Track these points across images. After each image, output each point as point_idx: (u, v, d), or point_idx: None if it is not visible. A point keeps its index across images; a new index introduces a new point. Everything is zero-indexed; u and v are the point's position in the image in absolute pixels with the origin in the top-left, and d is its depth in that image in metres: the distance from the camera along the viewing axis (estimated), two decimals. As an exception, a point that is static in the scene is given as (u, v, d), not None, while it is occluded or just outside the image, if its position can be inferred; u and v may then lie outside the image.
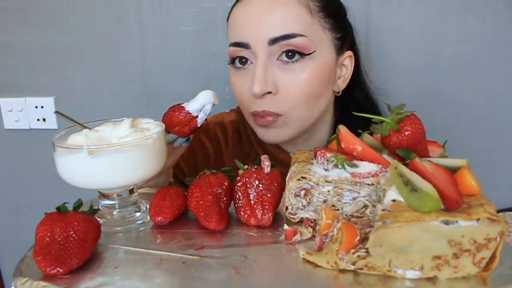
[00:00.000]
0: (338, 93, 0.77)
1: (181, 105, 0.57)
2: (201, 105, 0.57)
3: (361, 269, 0.42)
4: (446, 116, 1.11)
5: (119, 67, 1.15)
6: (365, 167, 0.49)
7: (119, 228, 0.53)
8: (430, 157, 0.48)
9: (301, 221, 0.52)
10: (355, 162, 0.50)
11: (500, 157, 1.14)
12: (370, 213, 0.49)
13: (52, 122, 1.21)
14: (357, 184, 0.48)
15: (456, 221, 0.39)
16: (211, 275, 0.43)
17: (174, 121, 0.57)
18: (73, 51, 1.15)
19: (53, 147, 0.51)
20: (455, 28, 1.05)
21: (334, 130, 0.80)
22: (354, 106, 0.79)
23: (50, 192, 1.09)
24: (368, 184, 0.48)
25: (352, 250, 0.42)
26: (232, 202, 0.53)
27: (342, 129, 0.52)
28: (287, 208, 0.52)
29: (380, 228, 0.39)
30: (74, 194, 0.50)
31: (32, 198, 1.28)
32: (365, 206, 0.49)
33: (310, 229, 0.49)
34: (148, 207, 0.55)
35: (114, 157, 0.49)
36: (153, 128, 0.54)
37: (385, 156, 0.50)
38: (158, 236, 0.51)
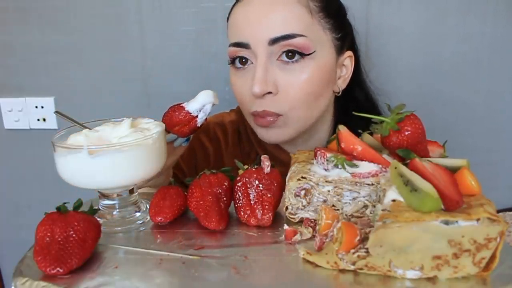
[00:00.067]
0: (338, 93, 0.77)
1: (181, 105, 0.57)
2: (201, 105, 0.57)
3: (361, 269, 0.42)
4: (446, 116, 1.11)
5: (119, 67, 1.15)
6: (365, 167, 0.49)
7: (119, 228, 0.53)
8: (430, 157, 0.48)
9: (301, 221, 0.52)
10: (355, 162, 0.50)
11: (500, 157, 1.14)
12: (370, 213, 0.49)
13: (52, 122, 1.21)
14: (357, 184, 0.48)
15: (456, 221, 0.39)
16: (211, 275, 0.43)
17: (174, 121, 0.57)
18: (73, 51, 1.15)
19: (53, 147, 0.51)
20: (455, 28, 1.05)
21: (334, 130, 0.80)
22: (354, 106, 0.79)
23: (50, 192, 1.09)
24: (368, 184, 0.48)
25: (352, 250, 0.42)
26: (232, 202, 0.53)
27: (342, 129, 0.51)
28: (287, 208, 0.52)
29: (380, 228, 0.39)
30: (74, 194, 0.50)
31: (32, 198, 1.28)
32: (365, 206, 0.49)
33: (310, 229, 0.49)
34: (148, 207, 0.55)
35: (114, 157, 0.49)
36: (153, 128, 0.54)
37: (385, 156, 0.50)
38: (158, 236, 0.51)
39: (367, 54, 1.03)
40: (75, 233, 0.43)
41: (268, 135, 0.74)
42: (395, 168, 0.42)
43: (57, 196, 0.52)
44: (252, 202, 0.51)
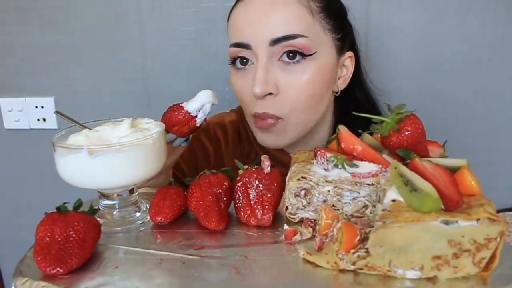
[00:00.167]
0: (337, 93, 0.77)
1: (180, 104, 0.57)
2: (200, 105, 0.57)
3: (361, 269, 0.42)
4: (446, 116, 1.11)
5: (119, 67, 1.15)
6: (365, 167, 0.49)
7: (119, 228, 0.52)
8: (430, 157, 0.48)
9: (301, 221, 0.52)
10: (355, 162, 0.50)
11: (500, 157, 1.14)
12: (370, 213, 0.49)
13: (52, 122, 1.21)
14: (357, 184, 0.48)
15: (456, 221, 0.39)
16: (211, 275, 0.43)
17: (173, 120, 0.57)
18: (73, 51, 1.15)
19: (53, 147, 0.51)
20: (455, 28, 1.05)
21: (334, 130, 0.80)
22: (354, 106, 0.79)
23: (50, 192, 1.09)
24: (368, 184, 0.48)
25: (352, 250, 0.42)
26: (232, 202, 0.53)
27: (342, 129, 0.51)
28: (287, 208, 0.52)
29: (380, 228, 0.39)
30: (74, 194, 0.50)
31: (32, 198, 1.28)
32: (365, 206, 0.49)
33: (310, 229, 0.49)
34: (148, 207, 0.55)
35: (114, 157, 0.49)
36: (153, 128, 0.54)
37: (385, 156, 0.50)
38: (158, 236, 0.51)
39: (367, 54, 1.03)
40: (75, 233, 0.43)
41: (268, 140, 0.74)
42: (395, 168, 0.42)
43: (57, 196, 0.52)
44: (252, 202, 0.51)
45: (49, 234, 0.43)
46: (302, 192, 0.51)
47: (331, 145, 0.53)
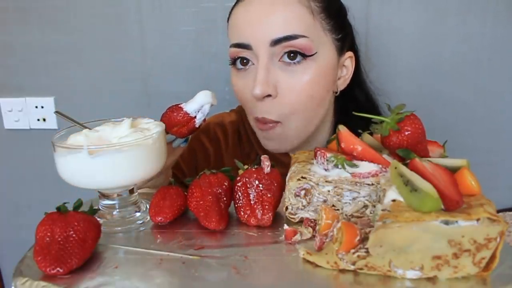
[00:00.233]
0: (336, 93, 0.77)
1: (179, 105, 0.57)
2: (199, 106, 0.57)
3: (361, 269, 0.42)
4: (446, 116, 1.11)
5: (119, 67, 1.15)
6: (365, 167, 0.49)
7: (119, 228, 0.52)
8: (430, 157, 0.48)
9: (301, 221, 0.52)
10: (355, 162, 0.50)
11: (500, 157, 1.14)
12: (370, 213, 0.49)
13: (52, 122, 1.21)
14: (357, 184, 0.48)
15: (456, 221, 0.39)
16: (211, 275, 0.43)
17: (173, 121, 0.57)
18: (73, 51, 1.15)
19: (53, 147, 0.51)
20: (455, 28, 1.05)
21: (334, 130, 0.80)
22: (354, 106, 0.79)
23: (50, 192, 1.09)
24: (368, 184, 0.48)
25: (352, 250, 0.42)
26: (232, 202, 0.53)
27: (342, 129, 0.51)
28: (287, 208, 0.52)
29: (380, 228, 0.39)
30: (74, 194, 0.50)
31: (32, 198, 1.28)
32: (365, 206, 0.49)
33: (310, 229, 0.49)
34: (148, 207, 0.55)
35: (114, 157, 0.49)
36: (153, 128, 0.54)
37: (385, 156, 0.50)
38: (158, 236, 0.51)
39: (367, 54, 1.03)
40: (75, 233, 0.43)
41: (270, 145, 0.75)
42: (395, 168, 0.42)
43: (57, 196, 0.52)
44: (252, 202, 0.51)
45: (49, 234, 0.43)
46: (302, 192, 0.51)
47: (331, 145, 0.53)
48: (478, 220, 0.39)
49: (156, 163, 0.53)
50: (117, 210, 0.54)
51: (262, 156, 0.53)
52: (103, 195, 0.54)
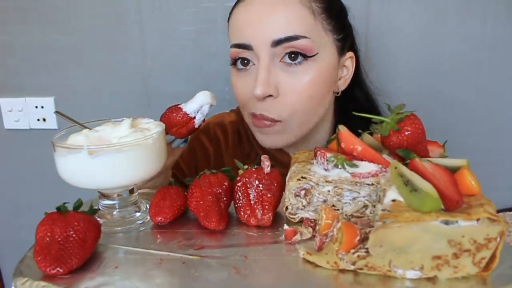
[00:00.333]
0: (338, 93, 0.77)
1: (178, 106, 0.57)
2: (198, 106, 0.57)
3: (361, 269, 0.42)
4: (446, 116, 1.11)
5: (119, 67, 1.15)
6: (365, 167, 0.49)
7: (119, 228, 0.52)
8: (430, 157, 0.48)
9: (301, 221, 0.52)
10: (355, 162, 0.50)
11: (500, 157, 1.14)
12: (370, 213, 0.49)
13: (52, 122, 1.21)
14: (357, 184, 0.48)
15: (456, 221, 0.39)
16: (211, 275, 0.43)
17: (172, 122, 0.57)
18: (73, 51, 1.15)
19: (53, 147, 0.51)
20: (455, 28, 1.05)
21: (334, 130, 0.79)
22: (354, 106, 0.79)
23: (50, 192, 1.09)
24: (368, 184, 0.48)
25: (352, 250, 0.42)
26: (232, 202, 0.53)
27: (342, 129, 0.51)
28: (287, 208, 0.52)
29: (380, 228, 0.39)
30: (74, 194, 0.50)
31: (32, 198, 1.28)
32: (365, 206, 0.49)
33: (310, 229, 0.49)
34: (148, 207, 0.55)
35: (114, 157, 0.49)
36: (153, 128, 0.54)
37: (385, 156, 0.50)
38: (158, 236, 0.51)
39: (367, 54, 1.03)
40: (75, 233, 0.43)
41: (267, 140, 0.74)
42: (395, 168, 0.42)
43: (57, 196, 0.52)
44: (252, 202, 0.51)
45: (49, 234, 0.43)
46: (302, 192, 0.51)
47: (331, 145, 0.53)
48: (478, 220, 0.39)
49: (156, 163, 0.53)
50: (117, 210, 0.54)
51: (262, 156, 0.53)
52: (103, 195, 0.54)
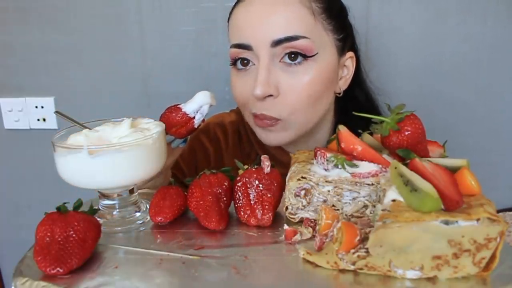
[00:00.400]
0: (339, 94, 0.77)
1: (177, 106, 0.57)
2: (198, 106, 0.57)
3: (361, 269, 0.42)
4: (446, 116, 1.11)
5: (119, 67, 1.15)
6: (365, 167, 0.49)
7: (119, 228, 0.53)
8: (430, 157, 0.48)
9: (301, 221, 0.52)
10: (355, 162, 0.50)
11: (500, 157, 1.14)
12: (370, 213, 0.49)
13: (52, 122, 1.21)
14: (357, 184, 0.48)
15: (456, 221, 0.39)
16: (211, 275, 0.43)
17: (171, 122, 0.57)
18: (73, 51, 1.15)
19: (53, 147, 0.51)
20: (455, 28, 1.05)
21: (334, 130, 0.79)
22: (354, 106, 0.79)
23: (50, 192, 1.09)
24: (368, 184, 0.48)
25: (352, 250, 0.42)
26: (232, 202, 0.53)
27: (342, 129, 0.51)
28: (287, 208, 0.52)
29: (380, 228, 0.39)
30: (74, 194, 0.50)
31: (32, 198, 1.28)
32: (365, 206, 0.49)
33: (310, 229, 0.49)
34: (148, 207, 0.55)
35: (114, 157, 0.49)
36: (153, 128, 0.54)
37: (385, 156, 0.50)
38: (158, 236, 0.51)
39: (367, 54, 1.03)
40: (75, 233, 0.43)
41: (268, 138, 0.74)
42: (395, 168, 0.42)
43: (57, 196, 0.52)
44: (252, 202, 0.51)
45: (49, 234, 0.43)
46: (302, 192, 0.51)
47: (331, 145, 0.53)
48: (478, 220, 0.39)
49: (156, 163, 0.53)
50: (117, 210, 0.54)
51: (262, 156, 0.53)
52: (103, 195, 0.54)
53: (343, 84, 0.77)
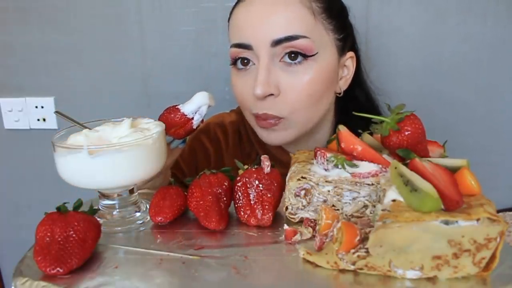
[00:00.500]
0: (340, 94, 0.77)
1: (176, 106, 0.57)
2: (196, 107, 0.57)
3: (361, 269, 0.42)
4: (446, 116, 1.11)
5: (119, 67, 1.15)
6: (365, 167, 0.49)
7: (119, 228, 0.53)
8: (430, 157, 0.48)
9: (301, 221, 0.52)
10: (355, 162, 0.50)
11: (500, 157, 1.14)
12: (370, 213, 0.49)
13: (52, 122, 1.21)
14: (357, 184, 0.48)
15: (456, 221, 0.39)
16: (211, 275, 0.43)
17: (170, 123, 0.57)
18: (73, 51, 1.15)
19: (53, 147, 0.51)
20: (455, 28, 1.05)
21: (334, 130, 0.79)
22: (354, 106, 0.79)
23: (50, 192, 1.09)
24: (368, 184, 0.48)
25: (352, 250, 0.42)
26: (232, 202, 0.53)
27: (342, 129, 0.51)
28: (287, 208, 0.52)
29: (380, 228, 0.39)
30: (74, 194, 0.50)
31: (32, 198, 1.28)
32: (365, 206, 0.49)
33: (310, 229, 0.49)
34: (148, 207, 0.55)
35: (114, 157, 0.49)
36: (153, 128, 0.54)
37: (385, 156, 0.50)
38: (158, 236, 0.51)
39: (367, 54, 1.03)
40: (75, 233, 0.43)
41: (269, 137, 0.74)
42: (395, 168, 0.42)
43: (57, 196, 0.52)
44: (252, 202, 0.51)
45: (49, 234, 0.43)
46: (302, 192, 0.51)
47: (331, 145, 0.53)
48: (478, 220, 0.39)
49: (156, 163, 0.53)
50: (117, 210, 0.54)
51: (262, 156, 0.53)
52: (103, 195, 0.54)
53: (343, 84, 0.77)
